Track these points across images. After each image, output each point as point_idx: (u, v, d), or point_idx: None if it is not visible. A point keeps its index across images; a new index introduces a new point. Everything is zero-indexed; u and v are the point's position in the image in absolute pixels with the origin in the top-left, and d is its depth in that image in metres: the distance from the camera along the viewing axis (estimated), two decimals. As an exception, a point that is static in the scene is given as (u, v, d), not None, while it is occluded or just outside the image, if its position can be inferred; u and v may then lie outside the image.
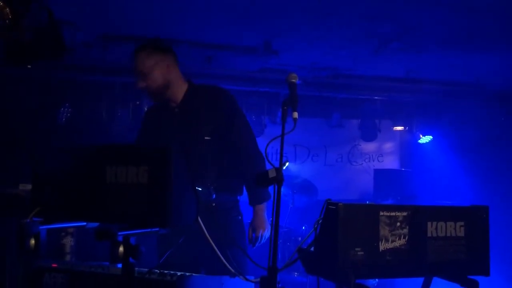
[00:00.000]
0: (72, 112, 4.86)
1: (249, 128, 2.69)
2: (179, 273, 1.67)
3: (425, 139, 5.80)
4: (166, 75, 2.56)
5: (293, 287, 4.27)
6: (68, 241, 2.51)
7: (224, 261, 1.70)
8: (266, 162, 2.05)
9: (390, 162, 6.00)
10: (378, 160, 5.99)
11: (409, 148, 6.01)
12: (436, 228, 1.76)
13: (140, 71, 2.56)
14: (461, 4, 3.39)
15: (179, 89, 2.63)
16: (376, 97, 5.58)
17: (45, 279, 1.69)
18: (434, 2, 3.36)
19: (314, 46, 4.34)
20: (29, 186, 2.33)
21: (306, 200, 5.01)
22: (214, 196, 2.40)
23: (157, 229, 1.54)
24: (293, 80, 2.01)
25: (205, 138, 2.51)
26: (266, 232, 2.56)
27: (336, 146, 5.87)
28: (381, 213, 1.71)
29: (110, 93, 5.00)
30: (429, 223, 1.75)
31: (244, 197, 2.71)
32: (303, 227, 4.66)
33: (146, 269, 1.70)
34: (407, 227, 1.73)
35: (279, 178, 1.76)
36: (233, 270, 1.72)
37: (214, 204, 2.43)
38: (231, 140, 2.57)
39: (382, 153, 6.00)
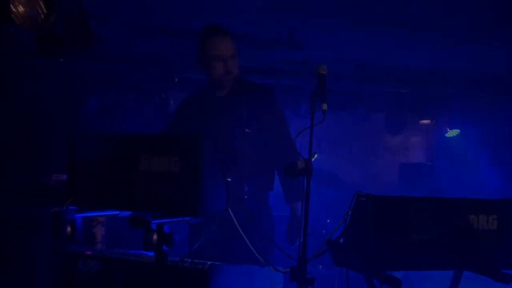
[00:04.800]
0: (99, 103, 4.94)
1: (288, 128, 2.71)
2: (209, 262, 1.69)
3: (452, 132, 5.70)
4: (238, 66, 2.58)
5: (318, 280, 4.27)
6: (99, 230, 2.57)
7: (254, 251, 1.72)
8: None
9: (416, 156, 5.93)
10: (404, 154, 5.92)
11: (435, 142, 5.92)
12: (468, 221, 1.74)
13: (226, 55, 2.53)
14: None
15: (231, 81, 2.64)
16: (402, 90, 5.51)
17: (79, 265, 1.74)
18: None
19: (338, 37, 4.30)
20: (61, 177, 2.39)
21: (330, 194, 4.99)
22: (246, 188, 2.41)
23: (188, 218, 1.56)
24: (323, 72, 2.00)
25: (246, 130, 2.52)
26: None
27: (361, 139, 5.82)
28: (412, 205, 1.69)
29: (136, 85, 5.06)
30: (461, 216, 1.73)
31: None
32: (328, 221, 4.64)
33: (178, 258, 1.73)
34: (438, 219, 1.71)
35: (309, 169, 1.76)
36: (262, 261, 1.74)
37: (246, 197, 2.45)
38: (270, 138, 2.58)
39: (408, 147, 5.93)
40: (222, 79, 2.59)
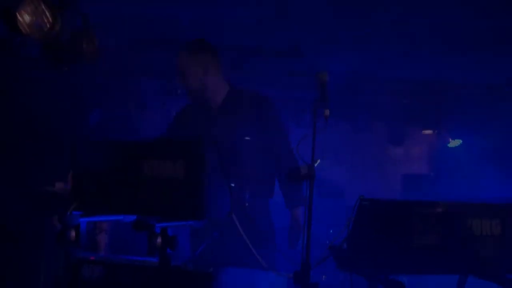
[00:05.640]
0: (103, 116, 4.96)
1: (287, 136, 2.75)
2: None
3: (454, 143, 5.70)
4: (202, 77, 2.59)
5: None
6: (103, 238, 2.58)
7: (257, 256, 1.72)
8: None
9: (419, 167, 5.92)
10: (406, 165, 5.91)
11: (438, 152, 5.92)
12: (472, 226, 1.74)
13: (178, 70, 2.63)
14: (492, 5, 3.35)
15: (219, 92, 2.67)
16: (404, 100, 5.52)
17: (83, 270, 1.74)
18: (465, 2, 3.33)
19: (341, 49, 4.33)
20: (65, 185, 2.40)
21: (332, 204, 4.98)
22: (248, 196, 2.43)
23: (191, 222, 1.57)
24: (324, 78, 2.03)
25: (245, 138, 2.54)
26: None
27: (362, 150, 5.83)
28: (416, 210, 1.70)
29: (138, 96, 5.09)
30: (464, 220, 1.74)
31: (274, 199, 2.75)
32: (331, 231, 4.63)
33: (180, 263, 1.73)
34: (442, 224, 1.71)
35: (311, 175, 1.77)
36: (265, 265, 1.74)
37: (247, 204, 2.46)
38: (270, 146, 2.61)
39: (410, 158, 5.93)
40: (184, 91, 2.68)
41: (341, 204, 4.91)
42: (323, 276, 4.30)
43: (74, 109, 4.73)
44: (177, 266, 1.64)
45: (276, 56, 4.44)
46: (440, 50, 4.30)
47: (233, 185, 2.31)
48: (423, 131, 5.83)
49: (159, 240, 1.46)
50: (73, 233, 1.58)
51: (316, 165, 1.92)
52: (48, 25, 2.19)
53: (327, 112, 1.93)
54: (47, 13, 2.17)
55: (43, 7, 2.12)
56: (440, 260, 1.70)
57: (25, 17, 2.08)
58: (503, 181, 5.29)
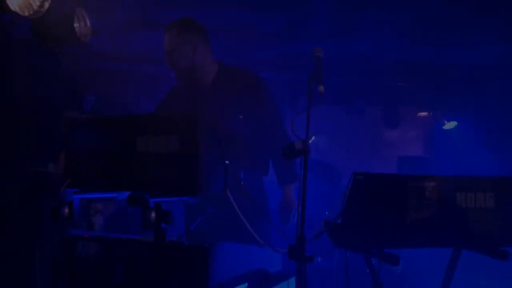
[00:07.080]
0: (97, 101, 4.93)
1: (279, 112, 2.74)
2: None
3: (449, 125, 5.71)
4: (192, 57, 2.56)
5: (317, 273, 4.27)
6: (98, 220, 2.57)
7: (252, 232, 1.72)
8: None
9: (414, 149, 5.94)
10: (401, 147, 5.93)
11: (433, 135, 5.93)
12: (465, 199, 1.75)
13: (167, 50, 2.58)
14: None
15: (209, 71, 2.64)
16: (399, 83, 5.51)
17: (78, 247, 1.74)
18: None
19: (336, 30, 4.31)
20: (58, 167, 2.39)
21: (328, 187, 4.99)
22: (242, 174, 2.42)
23: (186, 197, 1.57)
24: (318, 54, 2.01)
25: (239, 117, 2.52)
26: (295, 210, 2.59)
27: (358, 132, 5.83)
28: (410, 184, 1.70)
29: (135, 82, 5.05)
30: (458, 194, 1.74)
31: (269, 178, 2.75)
32: (327, 213, 4.64)
33: (174, 238, 1.73)
34: (436, 197, 1.72)
35: (306, 150, 1.77)
36: (261, 241, 1.74)
37: (242, 183, 2.46)
38: (261, 122, 2.60)
39: (405, 140, 5.94)
40: (173, 72, 2.64)
41: (337, 187, 4.92)
42: (319, 258, 4.32)
43: (67, 94, 4.70)
44: (172, 241, 1.63)
45: (271, 37, 4.41)
46: (436, 32, 4.28)
47: (227, 162, 2.32)
48: (418, 113, 5.84)
49: (153, 214, 1.45)
50: (66, 210, 1.57)
51: (310, 141, 1.91)
52: (37, 3, 2.16)
53: (321, 88, 1.92)
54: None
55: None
56: (434, 233, 1.71)
57: (14, -6, 2.04)
58: (498, 163, 5.31)
